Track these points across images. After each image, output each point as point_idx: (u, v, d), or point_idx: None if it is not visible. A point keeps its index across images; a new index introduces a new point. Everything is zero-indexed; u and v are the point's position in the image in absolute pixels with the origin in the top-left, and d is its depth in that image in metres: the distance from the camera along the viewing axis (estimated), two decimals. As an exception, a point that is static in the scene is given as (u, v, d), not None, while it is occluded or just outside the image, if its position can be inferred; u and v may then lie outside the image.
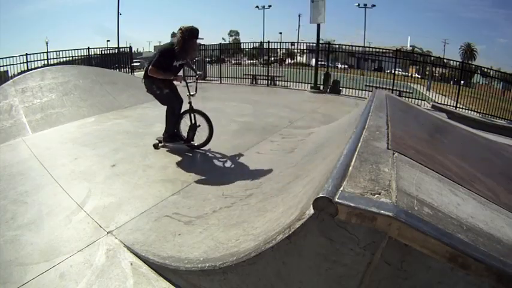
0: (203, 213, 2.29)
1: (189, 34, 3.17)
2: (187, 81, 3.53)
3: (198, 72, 4.01)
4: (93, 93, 6.20)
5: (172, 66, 3.33)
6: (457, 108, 9.24)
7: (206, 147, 3.65)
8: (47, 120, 4.92)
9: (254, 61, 15.69)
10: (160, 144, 3.69)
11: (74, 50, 11.19)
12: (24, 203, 2.52)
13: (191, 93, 3.53)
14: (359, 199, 1.12)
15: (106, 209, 2.41)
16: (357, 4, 42.20)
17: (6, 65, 9.18)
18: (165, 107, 3.56)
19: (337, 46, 12.01)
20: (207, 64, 12.99)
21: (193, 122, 3.57)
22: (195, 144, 3.64)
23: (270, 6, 47.80)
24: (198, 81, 3.81)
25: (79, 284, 1.67)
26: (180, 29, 3.19)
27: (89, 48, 11.54)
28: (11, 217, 2.31)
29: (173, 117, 3.55)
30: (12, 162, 3.39)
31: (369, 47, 11.61)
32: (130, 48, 13.42)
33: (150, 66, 3.22)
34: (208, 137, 3.55)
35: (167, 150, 3.65)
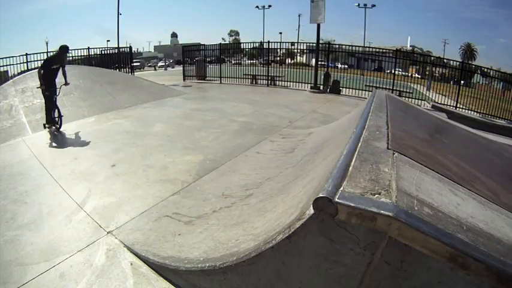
0: (203, 213, 2.29)
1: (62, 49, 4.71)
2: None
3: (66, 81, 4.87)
4: (93, 93, 6.20)
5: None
6: (457, 108, 9.24)
7: (208, 147, 3.59)
8: (47, 120, 4.91)
9: (254, 61, 15.68)
10: (47, 125, 4.58)
11: (74, 50, 11.19)
12: (24, 203, 2.52)
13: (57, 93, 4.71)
14: (359, 199, 1.12)
15: (106, 209, 2.41)
16: (357, 4, 42.15)
17: (6, 65, 9.18)
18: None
19: (337, 46, 12.00)
20: (207, 64, 12.99)
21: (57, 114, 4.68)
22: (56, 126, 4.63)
23: (270, 6, 47.71)
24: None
25: (79, 284, 1.67)
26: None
27: (89, 48, 11.55)
28: (11, 217, 2.31)
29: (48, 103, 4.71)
30: (12, 162, 3.39)
31: (369, 47, 11.61)
32: (130, 48, 13.43)
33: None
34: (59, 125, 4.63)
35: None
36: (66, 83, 4.79)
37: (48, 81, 4.48)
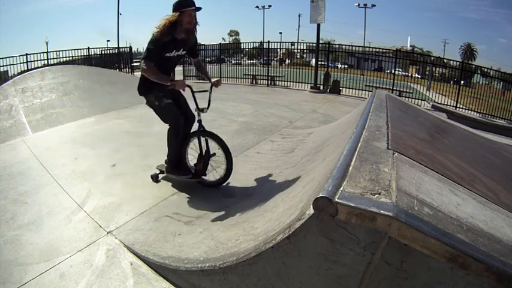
0: (203, 213, 2.29)
1: (177, 5, 2.35)
2: (195, 90, 2.59)
3: (211, 80, 2.72)
4: (93, 93, 6.20)
5: (168, 60, 2.49)
6: (457, 108, 9.24)
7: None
8: (47, 120, 4.92)
9: (254, 61, 15.68)
10: (160, 176, 2.88)
11: (74, 50, 11.20)
12: (24, 203, 2.52)
13: (200, 108, 2.59)
14: (359, 199, 1.12)
15: (106, 209, 2.41)
16: (357, 4, 42.21)
17: (6, 65, 9.19)
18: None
19: (337, 46, 12.01)
20: (207, 64, 12.99)
21: (204, 149, 2.67)
22: (208, 180, 2.74)
23: (270, 6, 47.77)
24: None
25: (79, 284, 1.67)
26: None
27: (89, 48, 11.55)
28: (11, 217, 2.31)
29: (176, 141, 2.64)
30: (12, 162, 3.39)
31: (369, 47, 11.61)
32: (130, 48, 13.44)
33: (142, 63, 2.41)
34: (226, 171, 2.64)
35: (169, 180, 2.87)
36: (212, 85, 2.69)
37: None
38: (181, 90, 2.61)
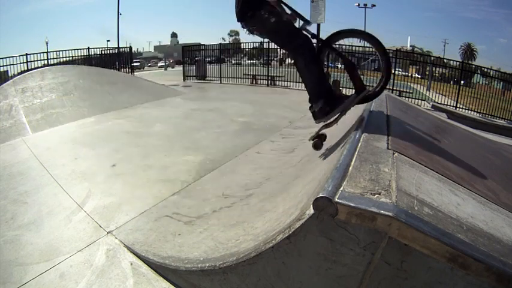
0: (203, 213, 2.29)
1: None
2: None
3: None
4: (93, 93, 6.20)
5: None
6: (457, 108, 9.24)
7: (208, 147, 3.46)
8: (47, 120, 4.92)
9: (254, 61, 15.69)
10: (323, 130, 2.32)
11: (74, 50, 11.22)
12: (24, 203, 2.52)
13: (306, 20, 2.14)
14: (359, 199, 1.12)
15: (106, 209, 2.41)
16: (357, 4, 42.23)
17: (6, 65, 9.20)
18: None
19: (337, 46, 11.98)
20: (207, 64, 12.99)
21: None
22: (369, 91, 2.27)
23: (270, 6, 47.70)
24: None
25: (79, 284, 1.67)
26: None
27: (89, 48, 11.57)
28: (11, 217, 2.31)
29: (316, 65, 2.09)
30: (12, 162, 3.39)
31: (369, 47, 11.60)
32: (130, 48, 13.47)
33: None
34: (385, 78, 2.24)
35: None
36: None
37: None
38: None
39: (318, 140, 2.31)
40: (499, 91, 11.22)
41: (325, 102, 2.01)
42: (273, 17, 1.94)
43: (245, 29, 2.04)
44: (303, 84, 2.34)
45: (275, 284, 1.31)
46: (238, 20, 2.02)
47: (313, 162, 2.55)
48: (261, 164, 3.19)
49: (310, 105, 2.14)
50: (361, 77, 2.27)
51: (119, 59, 12.41)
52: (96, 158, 3.46)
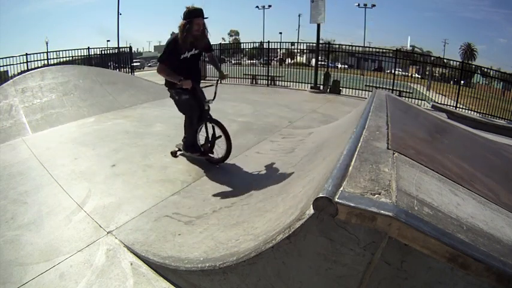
0: (203, 213, 2.29)
1: (188, 15, 2.74)
2: (204, 85, 3.10)
3: (221, 72, 3.20)
4: (93, 93, 6.20)
5: (181, 61, 2.88)
6: (457, 108, 9.24)
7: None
8: (47, 120, 4.92)
9: (254, 61, 15.68)
10: (179, 153, 3.46)
11: (74, 50, 11.21)
12: (24, 203, 2.52)
13: (207, 100, 3.08)
14: (359, 199, 1.12)
15: (106, 209, 2.41)
16: (357, 4, 42.27)
17: (6, 65, 9.19)
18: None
19: (337, 46, 11.99)
20: (207, 64, 12.98)
21: (210, 133, 3.19)
22: (214, 157, 3.25)
23: (270, 6, 47.84)
24: (219, 83, 3.14)
25: (79, 284, 1.67)
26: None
27: (89, 48, 11.56)
28: (11, 217, 2.31)
29: (190, 128, 3.13)
30: (12, 162, 3.39)
31: (369, 47, 11.62)
32: (130, 48, 13.45)
33: (158, 64, 2.91)
34: (226, 152, 3.13)
35: (185, 156, 3.40)
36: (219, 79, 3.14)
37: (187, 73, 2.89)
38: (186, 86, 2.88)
39: (177, 150, 3.49)
40: (499, 91, 11.21)
41: (186, 146, 3.27)
42: (176, 95, 3.02)
43: None
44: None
45: (275, 284, 1.31)
46: None
47: (313, 162, 2.55)
48: (261, 164, 3.19)
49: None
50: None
51: (119, 59, 12.41)
52: (96, 158, 3.46)
